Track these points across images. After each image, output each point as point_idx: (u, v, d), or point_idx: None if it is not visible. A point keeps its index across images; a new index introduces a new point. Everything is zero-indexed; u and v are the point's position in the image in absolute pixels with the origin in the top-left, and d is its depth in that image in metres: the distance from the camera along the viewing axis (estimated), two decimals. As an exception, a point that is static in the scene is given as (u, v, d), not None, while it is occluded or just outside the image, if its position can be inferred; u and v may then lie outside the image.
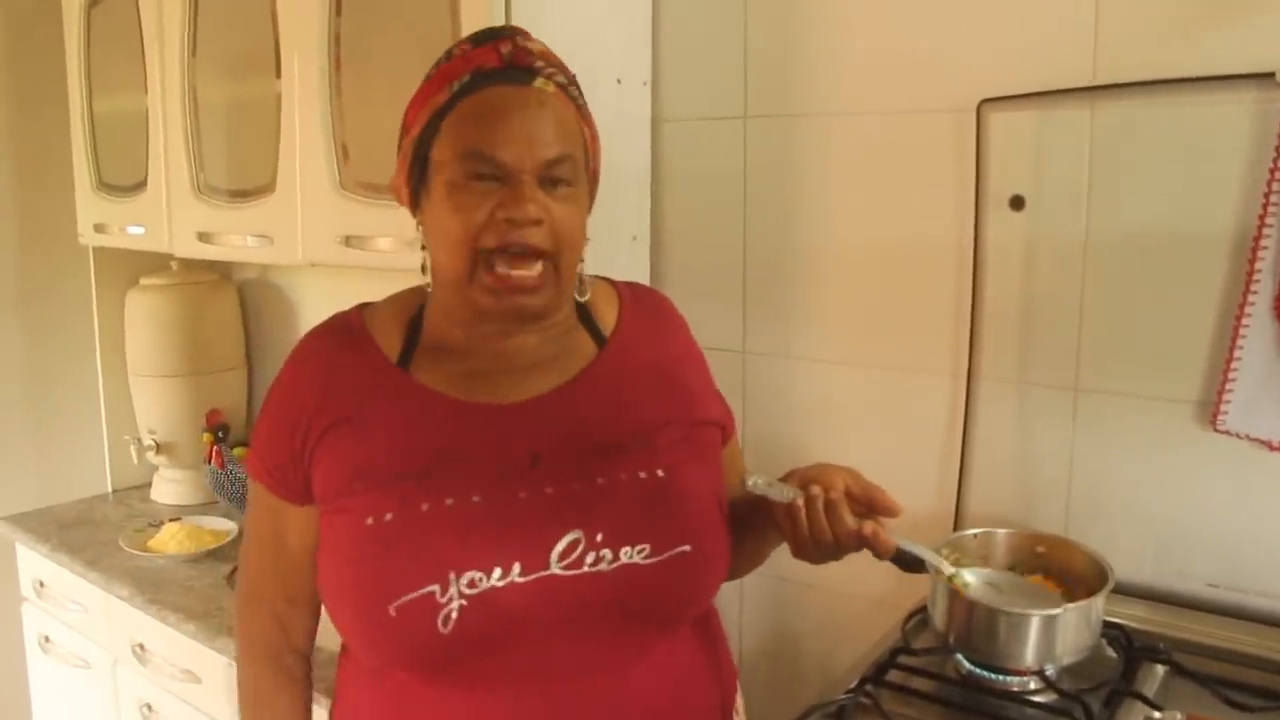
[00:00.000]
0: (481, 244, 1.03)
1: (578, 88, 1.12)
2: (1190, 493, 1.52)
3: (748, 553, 1.25)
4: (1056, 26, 1.54)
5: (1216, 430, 1.47)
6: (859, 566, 1.82)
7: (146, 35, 2.29)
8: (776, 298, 1.89)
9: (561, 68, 1.11)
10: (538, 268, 1.05)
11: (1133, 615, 1.50)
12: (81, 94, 2.54)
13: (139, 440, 2.63)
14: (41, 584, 2.45)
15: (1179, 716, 1.02)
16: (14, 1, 2.62)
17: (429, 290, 1.13)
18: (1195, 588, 1.52)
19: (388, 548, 1.03)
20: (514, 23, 1.61)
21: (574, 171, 1.07)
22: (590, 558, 1.03)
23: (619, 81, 1.88)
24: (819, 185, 1.82)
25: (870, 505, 1.07)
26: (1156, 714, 1.12)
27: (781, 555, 1.90)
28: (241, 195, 2.12)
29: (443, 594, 1.00)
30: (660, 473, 1.10)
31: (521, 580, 1.02)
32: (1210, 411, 1.47)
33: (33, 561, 2.47)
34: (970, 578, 1.14)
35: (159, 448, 2.60)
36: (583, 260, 1.13)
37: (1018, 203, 1.60)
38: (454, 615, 1.00)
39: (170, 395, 2.59)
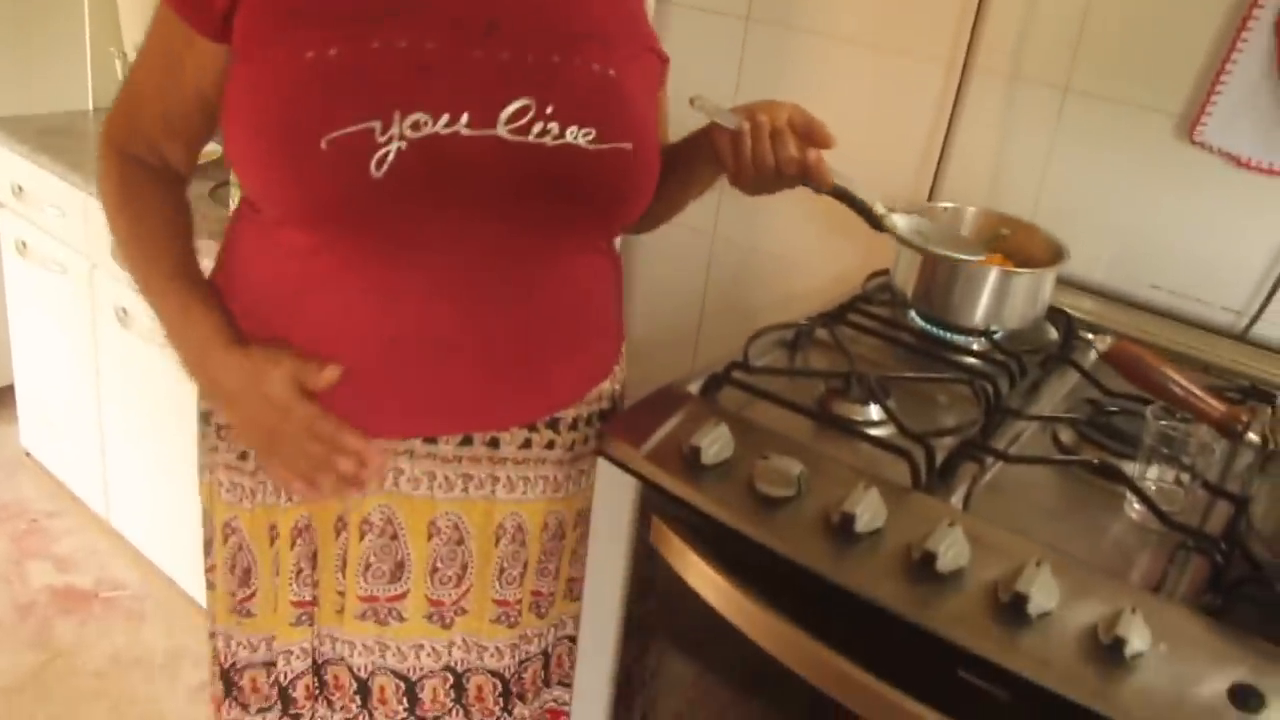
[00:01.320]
0: None
1: None
2: (1154, 200, 1.58)
3: (670, 196, 1.25)
4: None
5: (1193, 142, 1.52)
6: (826, 246, 1.90)
7: None
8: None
9: None
10: None
11: (1079, 306, 1.59)
12: None
13: (125, 54, 2.58)
14: (19, 188, 2.45)
15: (1107, 339, 1.10)
16: None
17: None
18: (1141, 290, 1.61)
19: (329, 80, 0.98)
20: None
21: None
22: (537, 128, 1.02)
23: None
24: None
25: (809, 136, 1.08)
26: (1090, 334, 1.20)
27: (753, 228, 1.97)
28: None
29: (382, 132, 0.97)
30: (612, 71, 1.09)
31: (467, 133, 1.00)
32: (1190, 122, 1.51)
33: (10, 164, 2.45)
34: (900, 220, 1.19)
35: (143, 66, 2.55)
36: None
37: (1049, -112, 1.58)
38: (390, 157, 0.97)
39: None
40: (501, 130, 1.01)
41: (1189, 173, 1.54)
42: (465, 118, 1.00)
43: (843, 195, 1.15)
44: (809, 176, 1.09)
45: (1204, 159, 1.52)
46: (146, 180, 1.15)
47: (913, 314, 1.48)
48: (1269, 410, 1.12)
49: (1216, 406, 1.05)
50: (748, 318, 2.04)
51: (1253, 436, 1.06)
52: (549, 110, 1.03)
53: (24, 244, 2.51)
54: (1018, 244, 1.53)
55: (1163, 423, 1.12)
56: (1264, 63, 1.45)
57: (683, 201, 1.29)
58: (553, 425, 1.22)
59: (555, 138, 1.03)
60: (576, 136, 1.04)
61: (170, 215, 1.16)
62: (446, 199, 1.02)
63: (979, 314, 1.40)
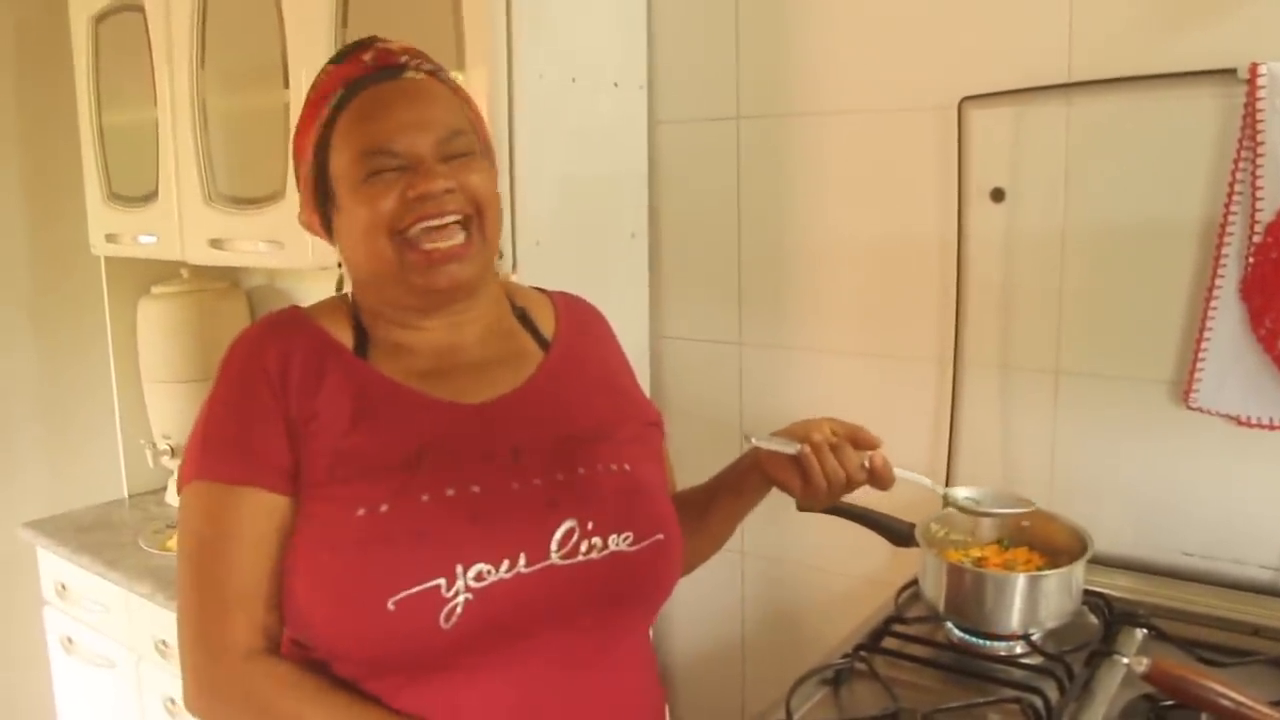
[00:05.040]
0: (398, 226, 1.05)
1: (445, 72, 1.16)
2: (1166, 467, 1.60)
3: (714, 533, 1.29)
4: (1033, 27, 1.62)
5: (1189, 408, 1.54)
6: (853, 546, 1.91)
7: (155, 49, 2.36)
8: (771, 291, 1.97)
9: (425, 58, 1.15)
10: (460, 235, 1.07)
11: (1114, 584, 1.58)
12: (90, 107, 2.61)
13: (154, 445, 2.70)
14: (63, 586, 2.51)
15: (1145, 662, 1.09)
16: (22, 16, 2.70)
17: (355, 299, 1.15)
18: (1172, 557, 1.60)
19: (387, 540, 1.00)
20: (515, 31, 1.69)
21: (470, 143, 1.11)
22: (584, 546, 1.05)
23: (616, 85, 1.96)
24: (809, 182, 1.89)
25: (856, 441, 1.15)
26: (1124, 659, 1.19)
27: (780, 539, 1.99)
28: (252, 202, 2.19)
29: (448, 588, 0.98)
30: (626, 466, 1.13)
31: (526, 571, 1.02)
32: (1182, 390, 1.55)
33: (53, 565, 2.53)
34: (959, 494, 1.27)
35: (174, 451, 2.66)
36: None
37: (998, 195, 1.68)
38: (458, 610, 0.99)
39: (183, 400, 2.65)
40: (554, 558, 1.04)
41: (1196, 436, 1.56)
42: (523, 558, 1.02)
43: (862, 518, 1.19)
44: (875, 479, 1.15)
45: (1206, 420, 1.54)
46: (285, 671, 1.04)
47: (949, 625, 1.47)
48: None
49: (1270, 715, 1.03)
50: (785, 616, 2.03)
51: (1316, 739, 1.03)
52: (590, 526, 1.06)
53: (70, 640, 2.54)
54: (1041, 533, 1.54)
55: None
56: (1239, 326, 1.49)
57: (728, 535, 1.32)
58: None
59: (601, 550, 1.06)
60: (619, 543, 1.07)
61: (322, 689, 1.03)
62: (511, 632, 1.03)
63: (1015, 619, 1.39)
